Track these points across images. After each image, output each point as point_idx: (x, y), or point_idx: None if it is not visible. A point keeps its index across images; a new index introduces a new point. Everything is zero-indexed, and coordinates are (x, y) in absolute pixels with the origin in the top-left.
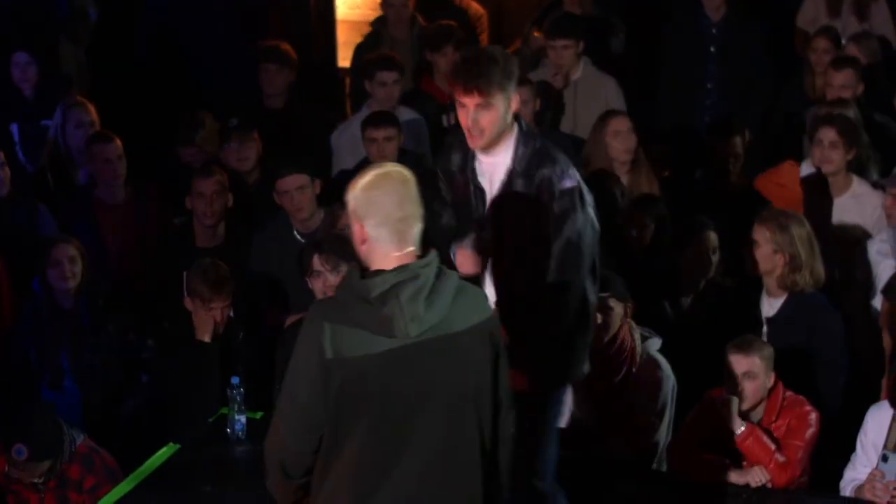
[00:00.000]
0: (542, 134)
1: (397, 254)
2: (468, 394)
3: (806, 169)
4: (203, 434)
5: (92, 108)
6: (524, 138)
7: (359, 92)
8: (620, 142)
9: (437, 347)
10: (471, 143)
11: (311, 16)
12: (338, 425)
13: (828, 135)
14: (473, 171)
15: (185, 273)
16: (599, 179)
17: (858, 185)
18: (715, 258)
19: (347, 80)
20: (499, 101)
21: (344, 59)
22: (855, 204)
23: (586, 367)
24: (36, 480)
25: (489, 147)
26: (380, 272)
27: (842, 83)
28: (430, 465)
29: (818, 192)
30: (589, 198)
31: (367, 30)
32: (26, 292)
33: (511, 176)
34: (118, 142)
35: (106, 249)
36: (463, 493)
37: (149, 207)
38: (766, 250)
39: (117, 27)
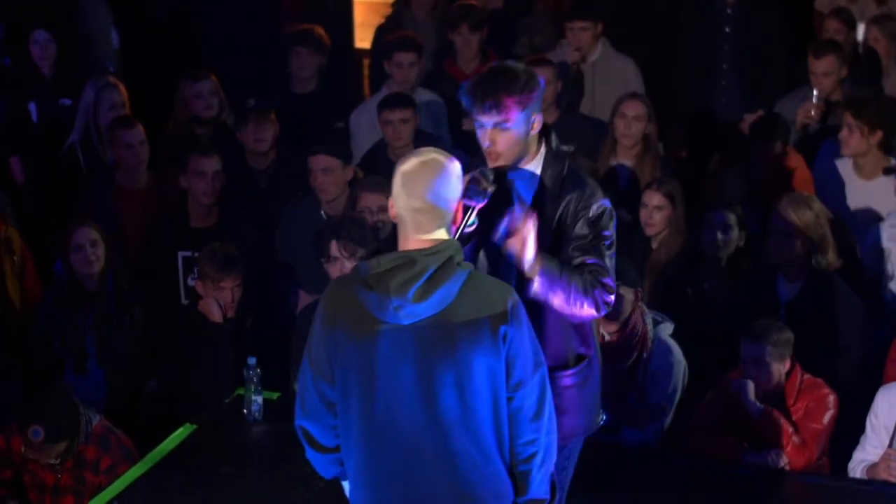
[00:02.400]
0: (561, 116)
1: (414, 239)
2: (470, 385)
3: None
4: (220, 415)
5: (123, 89)
6: (553, 160)
7: (378, 73)
8: (626, 125)
9: (434, 337)
10: (489, 163)
11: None
12: (345, 400)
13: (847, 119)
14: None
15: (180, 255)
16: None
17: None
18: (727, 237)
19: (365, 62)
20: (518, 122)
21: (361, 41)
22: (885, 187)
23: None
24: (52, 461)
25: (511, 166)
26: (381, 255)
27: (823, 70)
28: (428, 448)
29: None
30: (613, 223)
31: (384, 10)
32: (49, 276)
33: (539, 197)
34: (140, 127)
35: (126, 234)
36: (448, 482)
37: (170, 193)
38: (795, 235)
39: (133, 4)
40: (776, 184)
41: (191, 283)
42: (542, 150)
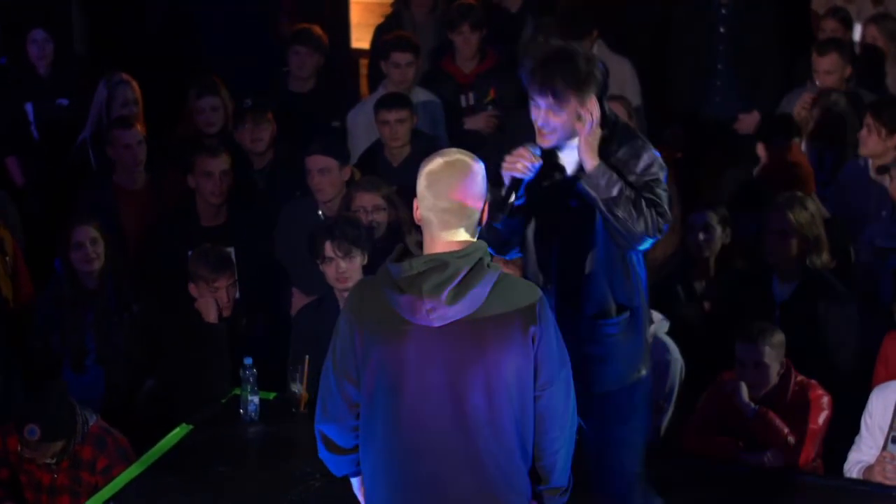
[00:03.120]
0: None
1: (442, 241)
2: (498, 384)
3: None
4: (216, 415)
5: (136, 86)
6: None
7: (378, 73)
8: None
9: (463, 338)
10: (539, 141)
11: None
12: (371, 402)
13: (867, 120)
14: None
15: (189, 254)
16: None
17: None
18: (708, 236)
19: (362, 62)
20: (572, 105)
21: (357, 41)
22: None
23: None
24: (49, 461)
25: (561, 145)
26: (412, 257)
27: (826, 68)
28: (454, 449)
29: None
30: (665, 174)
31: (380, 11)
32: (45, 275)
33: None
34: (139, 127)
35: (124, 234)
36: (473, 483)
37: (168, 193)
38: (792, 234)
39: (128, 7)
40: (779, 181)
41: None
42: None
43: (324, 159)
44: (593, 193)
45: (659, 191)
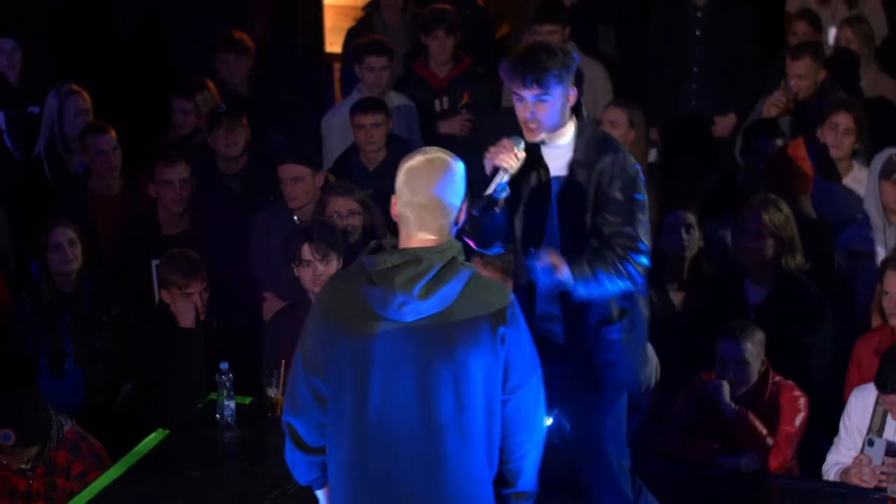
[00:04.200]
0: None
1: (417, 237)
2: (468, 384)
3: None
4: (192, 419)
5: (87, 97)
6: (585, 129)
7: (349, 77)
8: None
9: (434, 335)
10: (527, 136)
11: (299, 1)
12: (338, 396)
13: (844, 120)
14: (534, 163)
15: (153, 263)
16: None
17: (859, 171)
18: (690, 237)
19: (336, 66)
20: (557, 94)
21: (331, 45)
22: (854, 190)
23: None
24: (23, 466)
25: (547, 139)
26: (386, 251)
27: (800, 72)
28: (417, 448)
29: (826, 175)
30: (645, 187)
31: (355, 14)
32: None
33: (573, 166)
34: (113, 133)
35: (99, 240)
36: (429, 485)
37: (143, 199)
38: (767, 236)
39: (100, 10)
40: (778, 178)
41: None
42: (574, 121)
43: (296, 168)
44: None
45: (638, 221)
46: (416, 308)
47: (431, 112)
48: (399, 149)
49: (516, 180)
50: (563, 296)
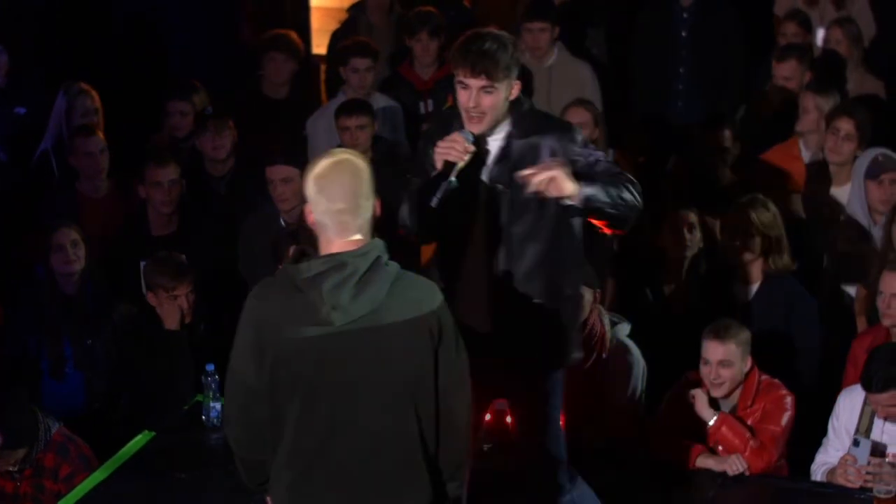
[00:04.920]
0: None
1: (339, 241)
2: (402, 387)
3: (805, 153)
4: (178, 421)
5: (96, 96)
6: (525, 117)
7: (334, 79)
8: None
9: (366, 339)
10: (468, 126)
11: (285, 3)
12: (277, 405)
13: (845, 126)
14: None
15: (142, 264)
16: None
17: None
18: (692, 237)
19: (322, 67)
20: (503, 86)
21: (318, 46)
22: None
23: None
24: (11, 468)
25: (487, 130)
26: (311, 258)
27: (785, 74)
28: (362, 454)
29: (819, 180)
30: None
31: (341, 17)
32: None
33: (509, 138)
34: (101, 135)
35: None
36: (398, 484)
37: (131, 201)
38: (754, 235)
39: (87, 12)
40: (773, 175)
41: None
42: (514, 110)
43: (286, 169)
44: (601, 206)
45: (608, 163)
46: (346, 311)
47: (416, 114)
48: (385, 151)
49: (466, 170)
50: (497, 268)
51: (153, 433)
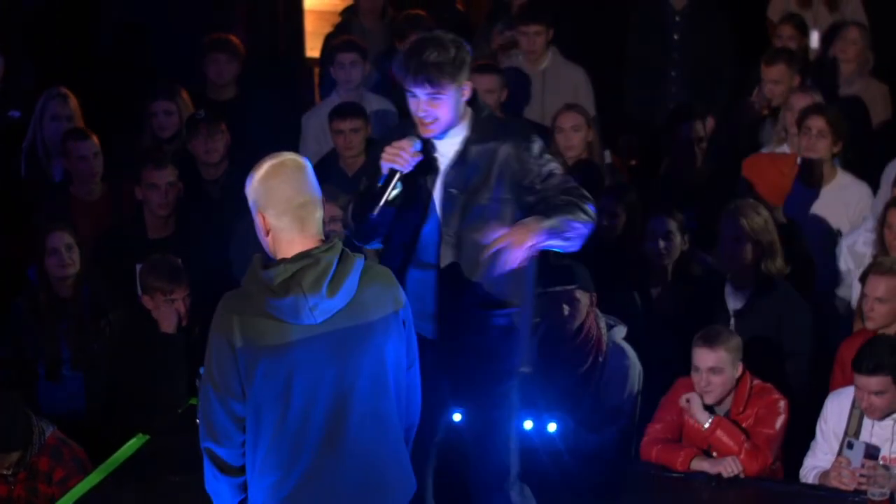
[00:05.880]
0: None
1: (300, 240)
2: (386, 382)
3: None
4: (172, 425)
5: (73, 100)
6: (481, 121)
7: (328, 81)
8: (566, 138)
9: (345, 333)
10: (422, 132)
11: (279, 6)
12: (257, 411)
13: (816, 123)
14: (427, 157)
15: (137, 267)
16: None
17: (843, 177)
18: (669, 244)
19: (316, 70)
20: (450, 91)
21: (311, 49)
22: (839, 196)
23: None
24: (4, 472)
25: (443, 135)
26: (282, 261)
27: (774, 78)
28: (350, 450)
29: (805, 182)
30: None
31: (334, 20)
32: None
33: (466, 143)
34: (95, 138)
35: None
36: (383, 477)
37: (125, 204)
38: (746, 241)
39: (80, 16)
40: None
41: None
42: (470, 114)
43: None
44: (561, 243)
45: (562, 176)
46: (327, 307)
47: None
48: (379, 154)
49: (410, 176)
50: (444, 270)
51: (147, 436)
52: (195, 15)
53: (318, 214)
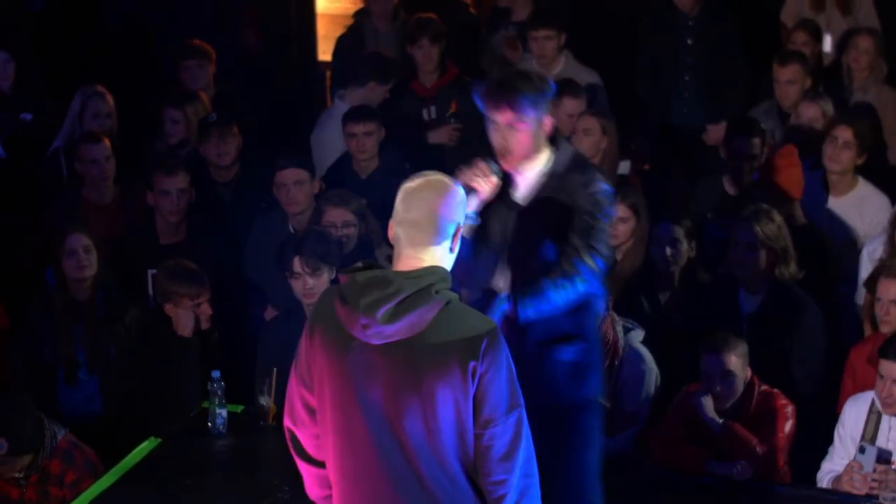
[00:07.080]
0: None
1: (405, 257)
2: (433, 412)
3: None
4: (184, 428)
5: (111, 99)
6: (560, 156)
7: (339, 85)
8: (575, 142)
9: (399, 360)
10: (501, 163)
11: (291, 9)
12: (321, 406)
13: (843, 134)
14: (507, 185)
15: (149, 272)
16: None
17: (863, 187)
18: (675, 251)
19: (328, 74)
20: (530, 121)
21: (324, 53)
22: (857, 205)
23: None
24: (17, 475)
25: (521, 167)
26: (361, 271)
27: (788, 78)
28: (397, 467)
29: (824, 189)
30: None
31: (346, 23)
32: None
33: (544, 191)
34: (107, 142)
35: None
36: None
37: (136, 207)
38: (759, 247)
39: (90, 19)
40: (766, 183)
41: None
42: (549, 149)
43: (298, 172)
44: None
45: (599, 223)
46: (380, 332)
47: (420, 122)
48: (392, 157)
49: (487, 209)
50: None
51: (159, 440)
52: (206, 18)
53: (435, 239)
